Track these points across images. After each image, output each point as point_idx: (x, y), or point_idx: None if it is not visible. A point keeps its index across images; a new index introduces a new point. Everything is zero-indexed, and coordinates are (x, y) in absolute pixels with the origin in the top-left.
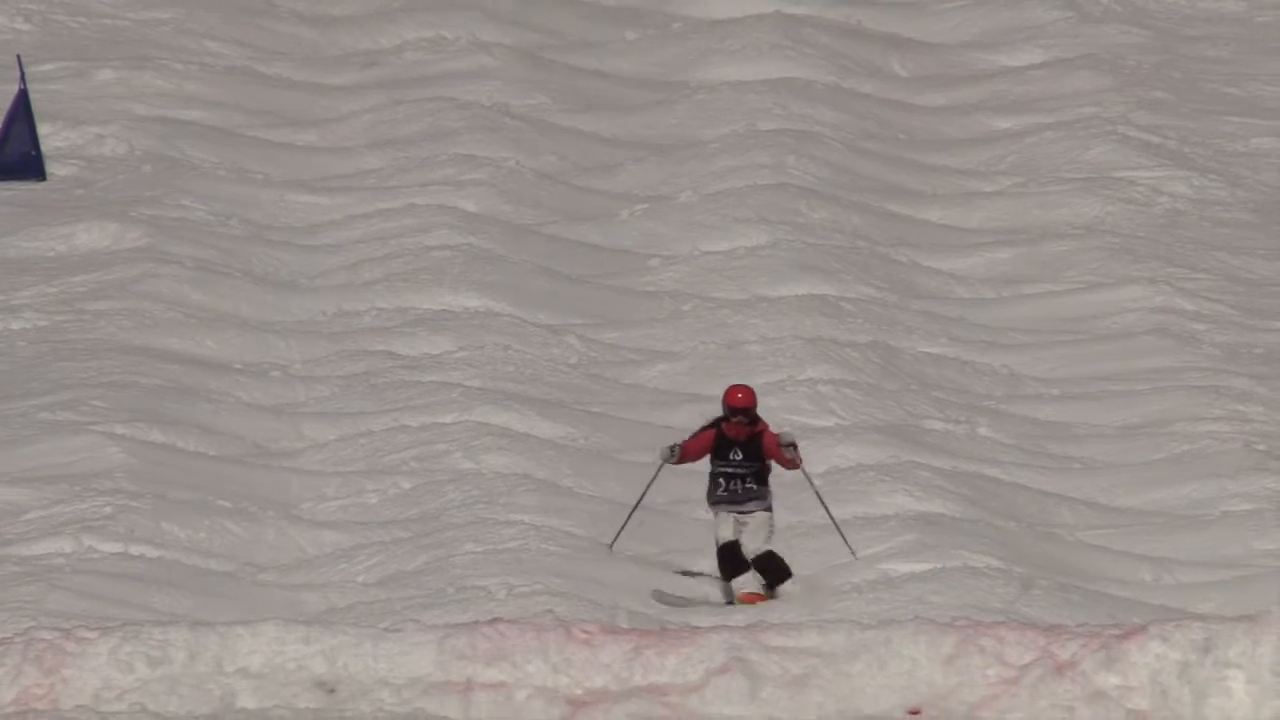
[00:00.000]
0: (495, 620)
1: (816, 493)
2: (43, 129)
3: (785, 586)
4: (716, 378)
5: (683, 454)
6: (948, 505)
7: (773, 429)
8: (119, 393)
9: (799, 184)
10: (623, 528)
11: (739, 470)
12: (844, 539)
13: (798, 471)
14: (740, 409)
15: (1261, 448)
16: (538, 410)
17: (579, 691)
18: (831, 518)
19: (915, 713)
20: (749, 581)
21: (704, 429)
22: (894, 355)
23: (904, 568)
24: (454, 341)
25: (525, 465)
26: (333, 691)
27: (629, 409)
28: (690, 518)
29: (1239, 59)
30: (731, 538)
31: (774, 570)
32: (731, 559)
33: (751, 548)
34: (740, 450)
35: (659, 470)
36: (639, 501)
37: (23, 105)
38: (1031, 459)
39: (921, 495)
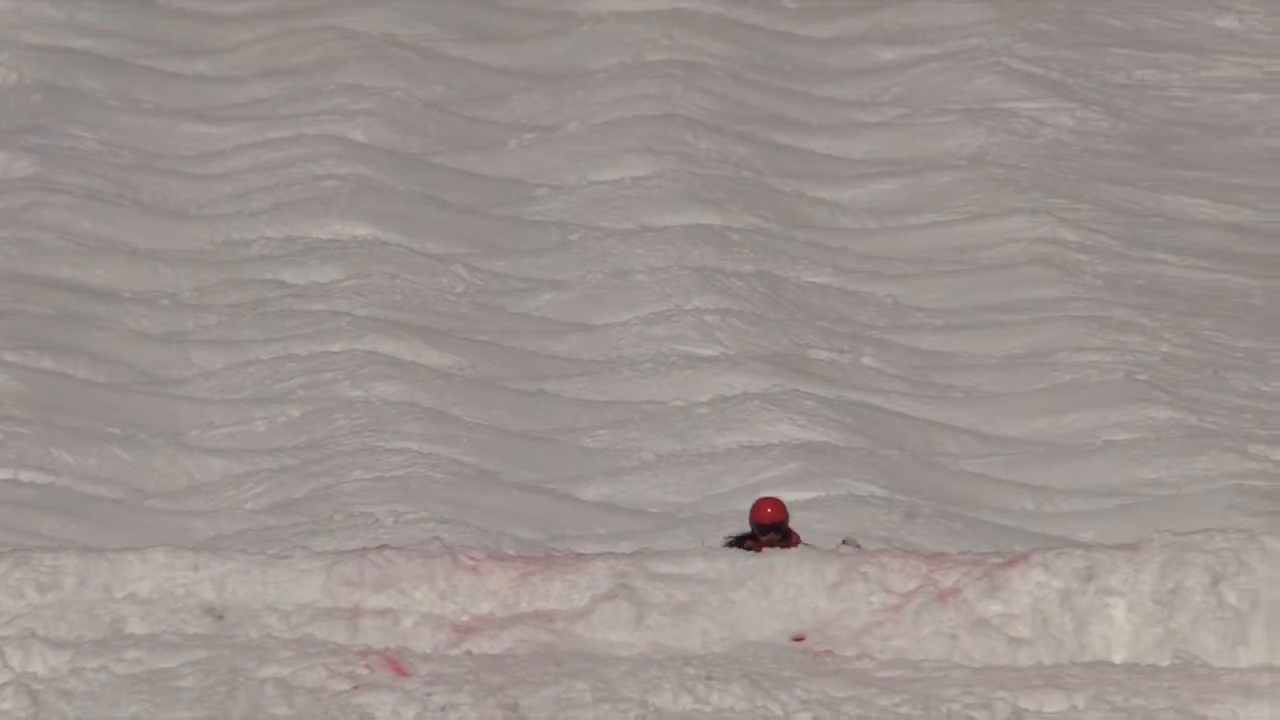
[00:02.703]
0: (383, 547)
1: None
2: None
3: None
4: (604, 306)
5: None
6: (832, 434)
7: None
8: (8, 320)
9: (685, 114)
10: None
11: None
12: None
13: None
14: (771, 525)
15: (1143, 377)
16: (425, 339)
17: (466, 618)
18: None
19: (800, 639)
20: None
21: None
22: (779, 285)
23: (788, 496)
24: (342, 270)
25: (413, 394)
26: (221, 618)
27: (516, 338)
28: (575, 445)
29: None
30: None
31: None
32: None
33: None
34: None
35: None
36: None
37: None
38: (915, 388)
39: (806, 424)
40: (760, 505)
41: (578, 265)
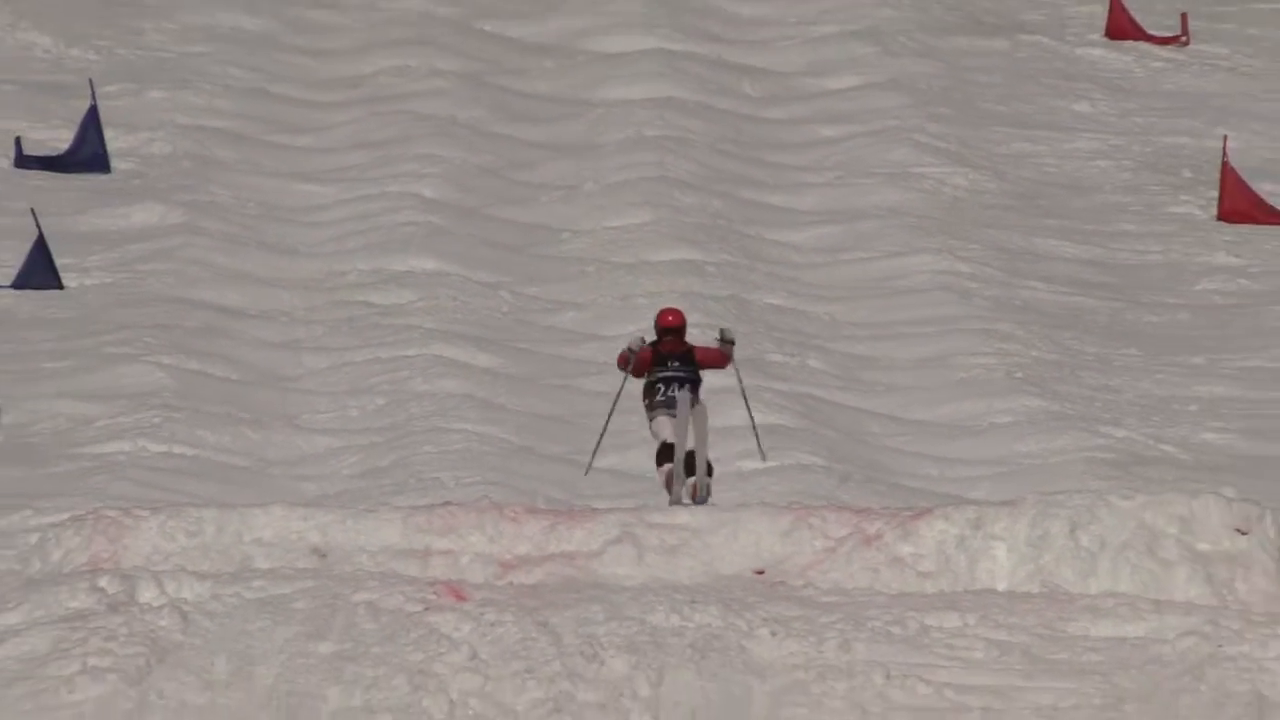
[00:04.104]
0: (446, 503)
1: (743, 392)
2: (108, 134)
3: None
4: (612, 322)
5: (636, 364)
6: (785, 418)
7: (709, 340)
8: (165, 332)
9: (674, 177)
10: (594, 453)
11: (677, 374)
12: (758, 443)
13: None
14: (669, 329)
15: (1019, 375)
16: (478, 346)
17: (509, 556)
18: (751, 418)
19: (760, 573)
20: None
21: (639, 350)
22: (746, 305)
23: (750, 465)
24: (415, 294)
25: (469, 387)
26: (324, 556)
27: (546, 345)
28: (591, 427)
29: (1004, 84)
30: (670, 438)
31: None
32: (668, 452)
33: (697, 436)
34: (677, 360)
35: (622, 388)
36: (605, 426)
37: (93, 116)
38: (848, 384)
39: (765, 410)
40: (663, 313)
41: (593, 290)
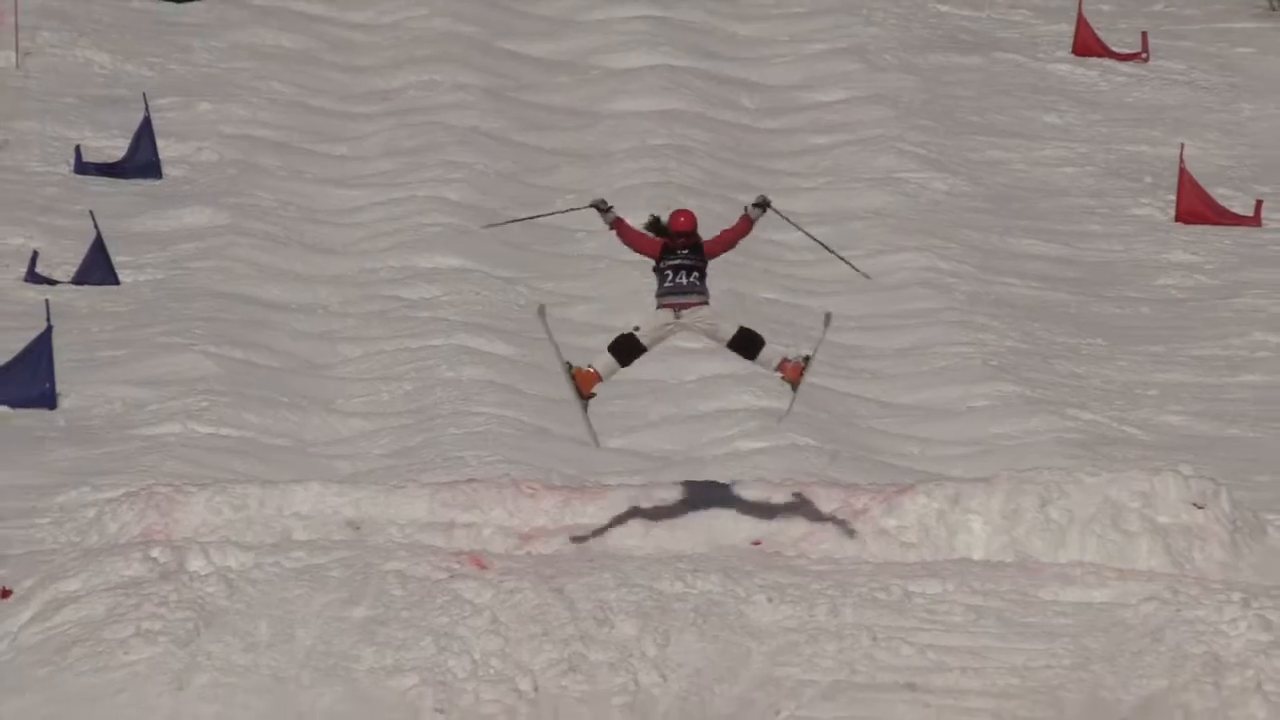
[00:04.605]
0: (470, 480)
1: (803, 230)
2: (161, 143)
3: (767, 351)
4: (621, 314)
5: (621, 228)
6: (779, 402)
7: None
8: (211, 324)
9: (678, 182)
10: (508, 221)
11: (685, 262)
12: (849, 264)
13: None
14: (682, 232)
15: (994, 363)
16: (499, 336)
17: (527, 529)
18: (827, 248)
19: (757, 543)
20: (773, 354)
21: (652, 236)
22: (744, 299)
23: (748, 445)
24: (441, 289)
25: (490, 374)
26: (358, 528)
27: (560, 336)
28: (602, 410)
29: (979, 97)
30: (643, 336)
31: (750, 342)
32: (627, 346)
33: (723, 333)
34: (686, 248)
35: (589, 206)
36: (539, 215)
37: (147, 127)
38: (838, 370)
39: (762, 395)
40: (675, 215)
41: (603, 285)
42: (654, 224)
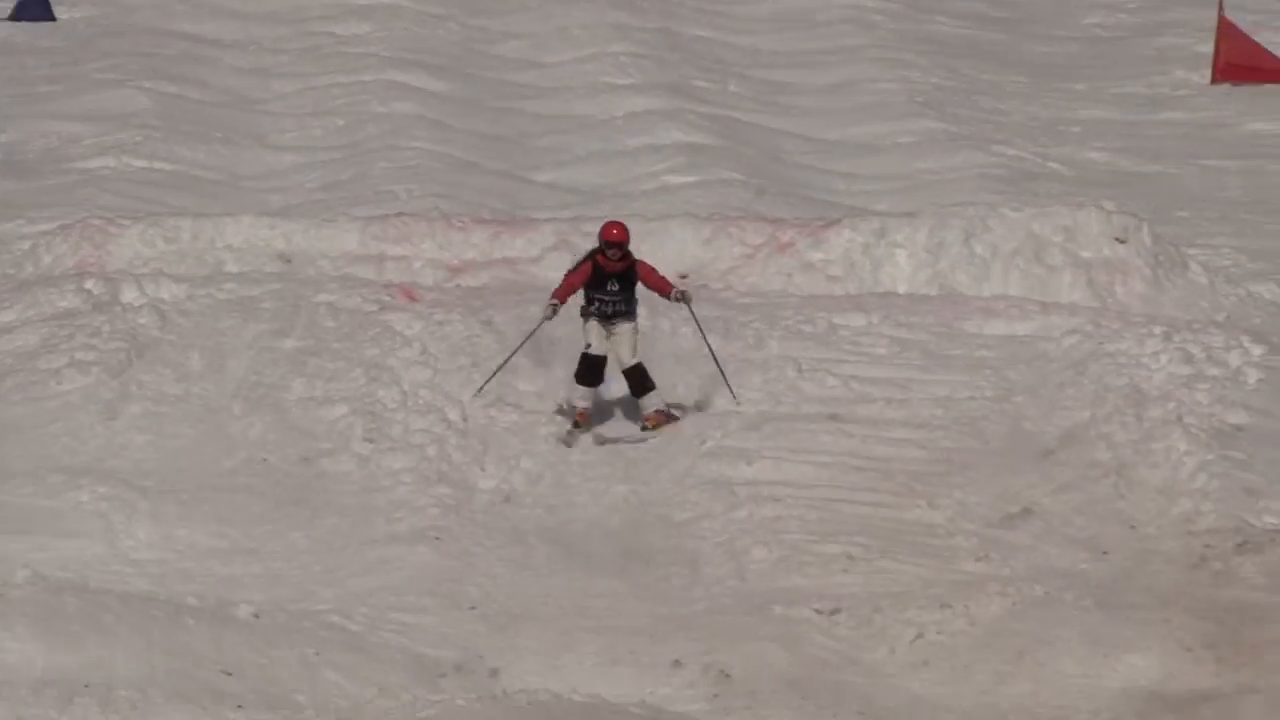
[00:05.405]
0: (400, 213)
1: (702, 335)
2: None
3: (648, 398)
4: (551, 51)
5: (566, 290)
6: (707, 138)
7: (663, 274)
8: (147, 59)
9: None
10: (490, 378)
11: (614, 299)
12: (726, 383)
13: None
14: (615, 243)
15: (920, 99)
16: (429, 72)
17: (456, 262)
18: (715, 358)
19: (684, 276)
20: (650, 402)
21: (580, 262)
22: (674, 37)
23: (677, 179)
24: (373, 25)
25: (420, 110)
26: (289, 261)
27: (492, 71)
28: (532, 145)
29: None
30: (598, 350)
31: (640, 382)
32: (591, 368)
33: (624, 358)
34: (617, 282)
35: (540, 324)
36: (513, 353)
37: None
38: (765, 107)
39: (690, 130)
40: (607, 226)
41: (535, 23)
42: (587, 255)
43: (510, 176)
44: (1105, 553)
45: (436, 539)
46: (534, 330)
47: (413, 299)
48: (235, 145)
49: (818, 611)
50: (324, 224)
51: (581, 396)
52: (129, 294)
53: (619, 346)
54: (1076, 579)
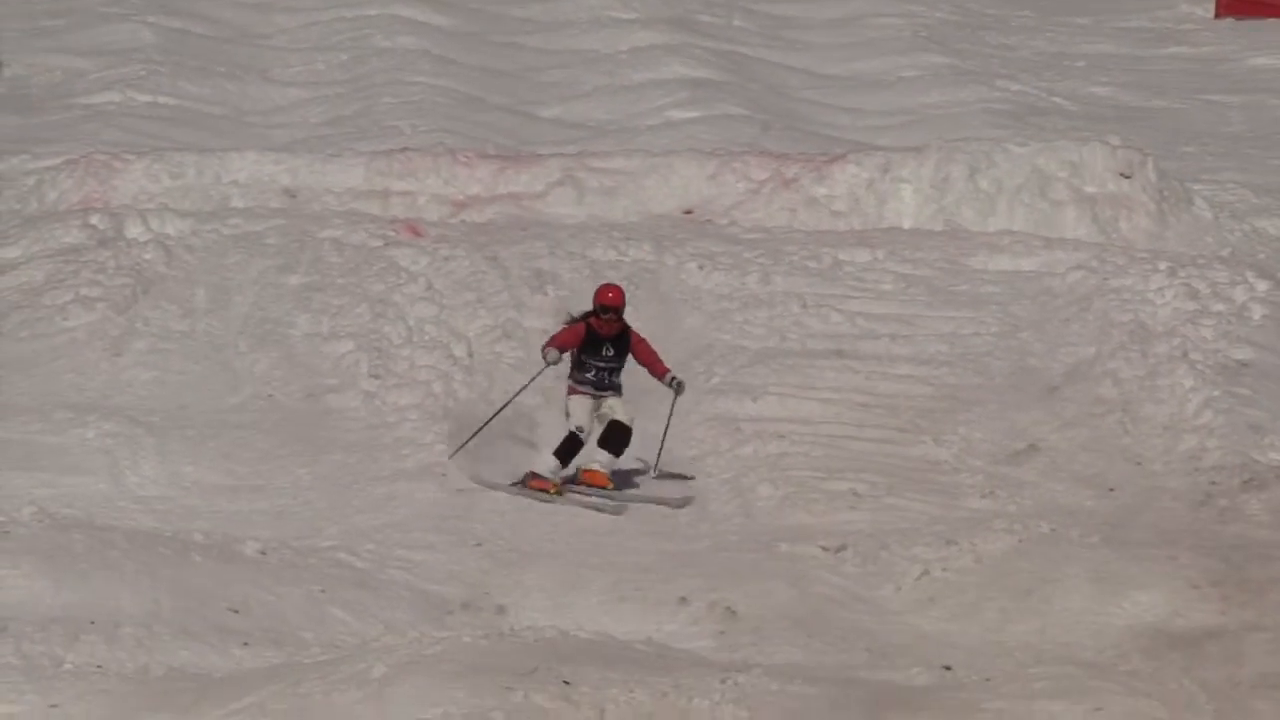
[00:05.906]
0: (405, 149)
1: (667, 422)
2: None
3: (605, 456)
4: None
5: (560, 344)
6: (712, 72)
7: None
8: None
9: None
10: (471, 437)
11: (609, 365)
12: (658, 452)
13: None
14: (611, 307)
15: (924, 34)
16: (433, 6)
17: (461, 197)
18: (663, 441)
19: (689, 212)
20: (604, 461)
21: (573, 322)
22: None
23: (681, 114)
24: None
25: (425, 44)
26: (295, 196)
27: (498, 5)
28: (536, 80)
29: None
30: (588, 432)
31: (618, 440)
32: (576, 449)
33: (618, 415)
34: (612, 347)
35: (539, 373)
36: (501, 409)
37: None
38: (770, 42)
39: (694, 65)
40: (603, 289)
41: None
42: (582, 316)
43: (515, 112)
44: (1111, 489)
45: (443, 475)
46: (523, 388)
47: (418, 234)
48: (239, 80)
49: (823, 548)
50: (329, 159)
51: (555, 470)
52: (134, 230)
53: (613, 411)
54: (1082, 516)
